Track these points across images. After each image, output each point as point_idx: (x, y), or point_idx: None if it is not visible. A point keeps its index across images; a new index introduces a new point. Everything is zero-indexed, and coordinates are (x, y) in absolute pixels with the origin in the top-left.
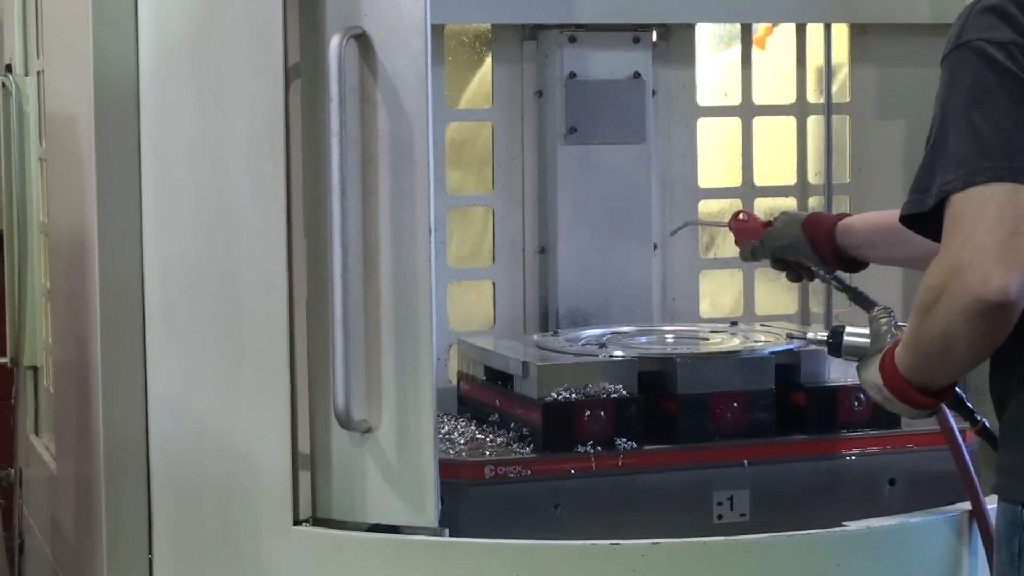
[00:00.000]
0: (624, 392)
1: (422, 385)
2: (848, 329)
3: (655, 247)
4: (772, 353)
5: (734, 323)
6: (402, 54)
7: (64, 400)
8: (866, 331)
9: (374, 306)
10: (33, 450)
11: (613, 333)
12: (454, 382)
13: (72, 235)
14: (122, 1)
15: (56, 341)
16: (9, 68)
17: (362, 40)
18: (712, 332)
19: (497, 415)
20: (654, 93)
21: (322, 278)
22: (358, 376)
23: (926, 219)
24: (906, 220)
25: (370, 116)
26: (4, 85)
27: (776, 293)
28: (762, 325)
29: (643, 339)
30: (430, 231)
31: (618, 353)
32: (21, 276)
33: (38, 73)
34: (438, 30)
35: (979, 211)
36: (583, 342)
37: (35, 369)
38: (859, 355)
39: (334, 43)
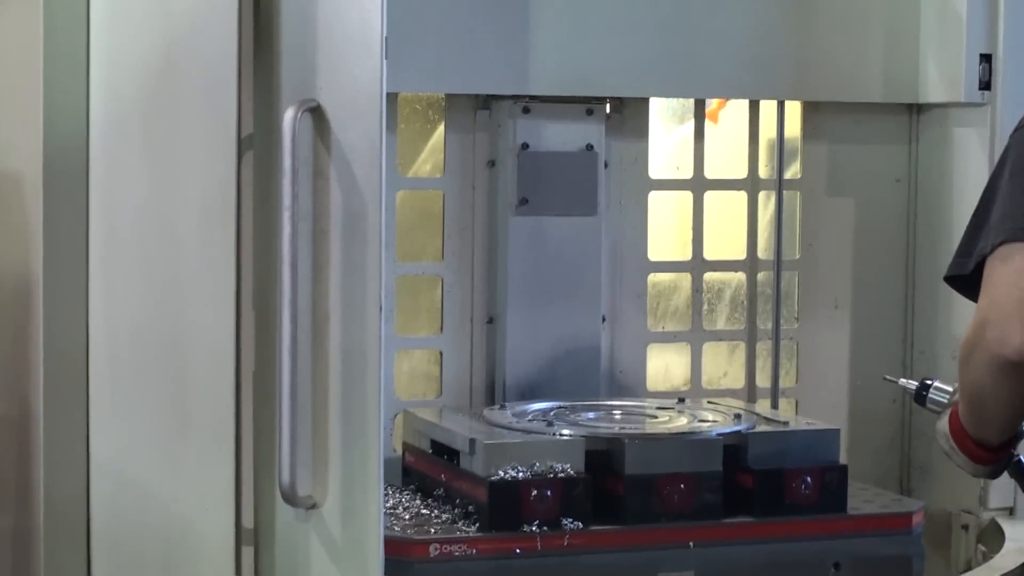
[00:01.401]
0: (571, 471)
1: (369, 461)
2: (936, 384)
3: (603, 319)
4: (720, 435)
5: (681, 400)
6: (357, 128)
7: (2, 453)
8: (951, 387)
9: (322, 380)
10: None
11: (560, 408)
12: (399, 451)
13: (15, 290)
14: (73, 59)
15: None
16: None
17: (317, 113)
18: (659, 408)
19: (443, 489)
20: (606, 165)
21: (270, 350)
22: (304, 451)
23: (970, 284)
24: (950, 281)
25: (323, 190)
26: None
27: (724, 366)
28: (709, 402)
29: (591, 415)
30: (380, 307)
31: (565, 432)
32: None
33: None
34: (392, 97)
35: (1001, 270)
36: (530, 417)
37: None
38: (940, 408)
39: (288, 116)
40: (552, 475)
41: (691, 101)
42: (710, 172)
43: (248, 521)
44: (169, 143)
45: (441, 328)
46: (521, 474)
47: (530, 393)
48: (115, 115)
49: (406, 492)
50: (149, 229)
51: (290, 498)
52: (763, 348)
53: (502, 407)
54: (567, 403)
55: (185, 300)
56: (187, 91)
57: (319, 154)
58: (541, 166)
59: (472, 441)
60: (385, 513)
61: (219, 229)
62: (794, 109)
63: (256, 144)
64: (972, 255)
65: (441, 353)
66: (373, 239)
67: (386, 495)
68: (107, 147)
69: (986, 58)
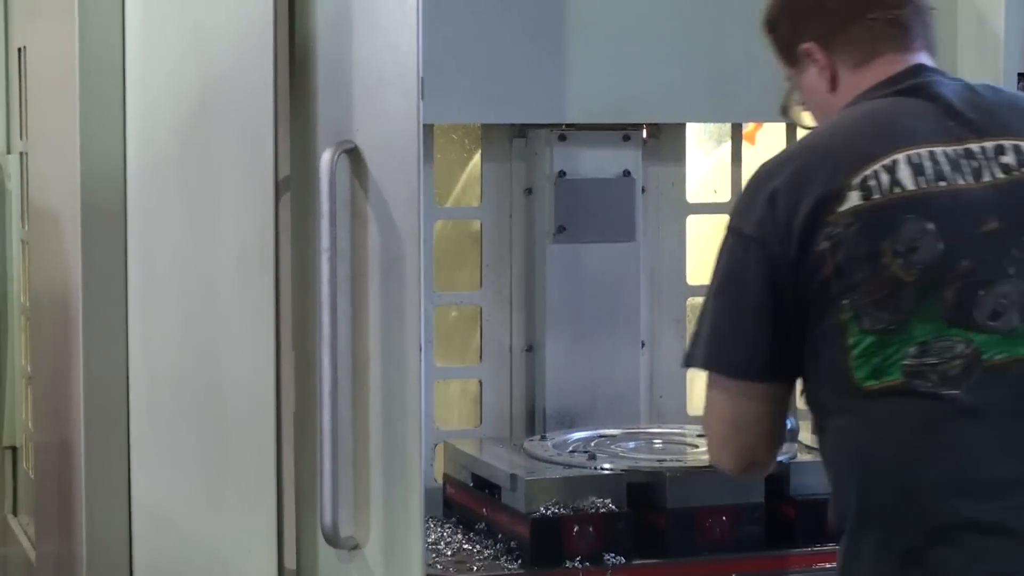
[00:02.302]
0: (612, 506)
1: (410, 501)
2: None
3: (643, 345)
4: None
5: None
6: (394, 168)
7: (45, 486)
8: None
9: (362, 421)
10: (11, 531)
11: (600, 437)
12: (439, 481)
13: (56, 324)
14: (110, 97)
15: (37, 426)
16: None
17: (354, 154)
18: (699, 436)
19: (484, 524)
20: (643, 190)
21: (311, 392)
22: (346, 492)
23: None
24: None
25: (361, 231)
26: None
27: None
28: None
29: (631, 444)
30: (420, 348)
31: (607, 466)
32: (1, 356)
33: (21, 154)
34: (428, 128)
35: (712, 398)
36: (571, 448)
37: (14, 449)
38: None
39: (325, 158)
40: (593, 510)
41: (728, 124)
42: None
43: (290, 562)
44: (206, 185)
45: (480, 357)
46: (563, 510)
47: (570, 421)
48: (151, 157)
49: (447, 525)
50: (187, 271)
51: (332, 539)
52: None
53: (543, 438)
54: (607, 431)
55: (225, 342)
56: (223, 133)
57: (356, 196)
58: (578, 193)
59: (513, 477)
60: (427, 549)
61: (257, 271)
62: None
63: (293, 186)
64: (691, 354)
65: (481, 382)
66: (412, 280)
67: (428, 528)
68: (143, 189)
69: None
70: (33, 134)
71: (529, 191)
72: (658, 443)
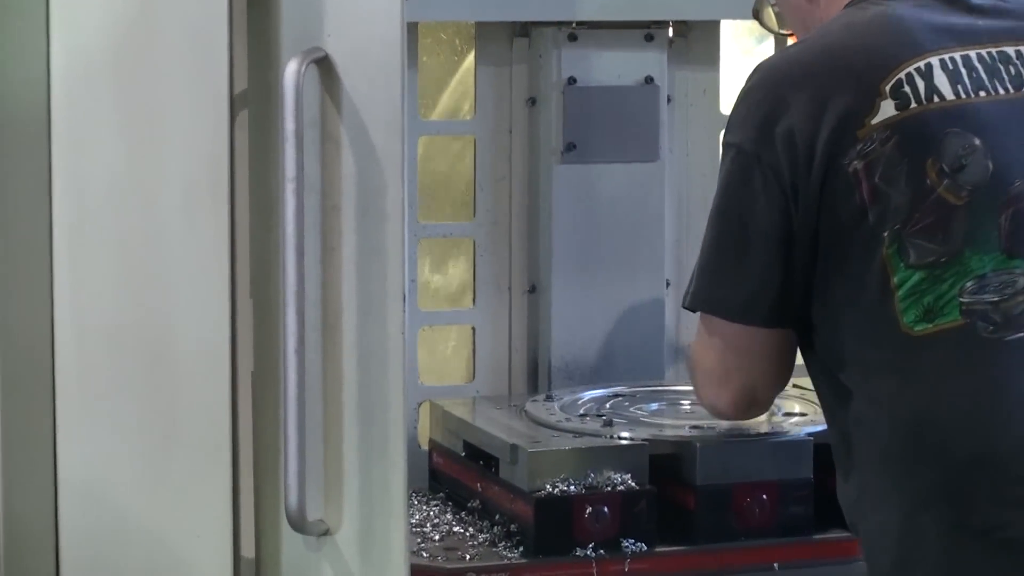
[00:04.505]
0: (632, 483)
1: (392, 477)
2: None
3: (668, 284)
4: (810, 434)
5: None
6: (373, 82)
7: None
8: None
9: (335, 384)
10: None
11: (617, 396)
12: (424, 447)
13: None
14: (29, 15)
15: None
16: None
17: (324, 65)
18: None
19: (479, 502)
20: (669, 100)
21: (272, 349)
22: (315, 468)
23: None
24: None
25: (333, 157)
26: None
27: None
28: (795, 386)
29: (654, 406)
30: (403, 296)
31: (625, 434)
32: None
33: None
34: (411, 27)
35: (707, 341)
36: (582, 411)
37: None
38: None
39: (291, 69)
40: (610, 488)
41: None
42: None
43: (248, 551)
44: (147, 107)
45: (473, 300)
46: (573, 487)
47: (580, 376)
48: (80, 66)
49: (434, 502)
50: (125, 208)
51: (298, 524)
52: None
53: (548, 398)
54: (625, 389)
55: (170, 291)
56: (168, 37)
57: (328, 114)
58: (591, 104)
59: (514, 448)
60: (411, 531)
61: (209, 206)
62: None
63: (252, 104)
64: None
65: (473, 329)
66: (394, 213)
67: (411, 505)
68: (71, 105)
69: None
70: None
71: (532, 101)
72: (686, 404)
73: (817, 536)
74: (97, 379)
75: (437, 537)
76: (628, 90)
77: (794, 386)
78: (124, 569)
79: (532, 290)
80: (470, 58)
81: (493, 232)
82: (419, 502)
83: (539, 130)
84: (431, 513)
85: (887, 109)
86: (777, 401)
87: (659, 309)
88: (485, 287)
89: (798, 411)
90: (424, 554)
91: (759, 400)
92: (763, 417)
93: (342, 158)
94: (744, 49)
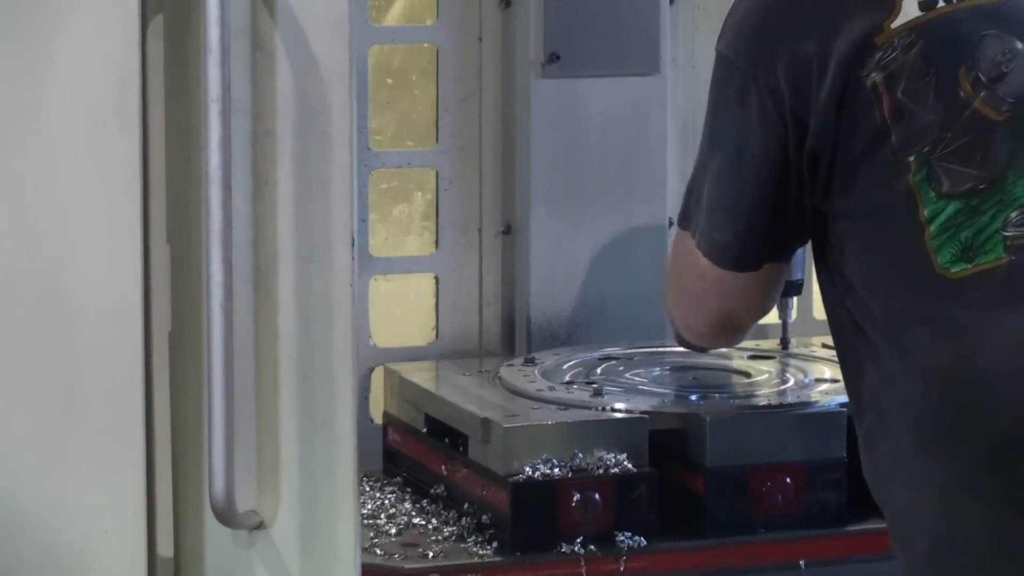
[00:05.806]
0: (629, 464)
1: (339, 461)
2: None
3: (671, 224)
4: (842, 405)
5: (784, 343)
6: None
7: None
8: None
9: (270, 347)
10: None
11: (609, 360)
12: (377, 421)
13: None
14: None
15: None
16: None
17: None
18: (752, 357)
19: (443, 487)
20: (672, 2)
21: (194, 304)
22: (245, 449)
23: None
24: None
25: (266, 72)
26: None
27: None
28: (824, 345)
29: (655, 371)
30: (352, 242)
31: (619, 405)
32: None
33: None
34: None
35: (709, 277)
36: (568, 378)
37: None
38: None
39: None
40: (601, 471)
41: None
42: None
43: (165, 548)
44: (38, 11)
45: (436, 243)
46: (557, 470)
47: (566, 335)
48: None
49: (390, 488)
50: (17, 135)
51: (225, 515)
52: None
53: (527, 362)
54: (619, 351)
55: (70, 233)
56: None
57: (260, 22)
58: (578, 7)
59: (486, 423)
60: (362, 524)
61: (116, 132)
62: None
63: (167, 8)
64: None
65: (436, 278)
66: (340, 138)
67: (362, 492)
68: None
69: None
70: None
71: (507, 3)
72: (691, 370)
73: (852, 528)
74: None
75: (393, 530)
76: None
77: (823, 346)
78: (14, 572)
79: (507, 231)
80: None
81: (460, 161)
82: (372, 488)
83: (515, 38)
84: (386, 502)
85: (910, 8)
86: (804, 366)
87: (660, 254)
88: (450, 228)
89: (829, 376)
90: (378, 551)
91: (738, 324)
92: (788, 380)
93: (276, 73)
94: None
